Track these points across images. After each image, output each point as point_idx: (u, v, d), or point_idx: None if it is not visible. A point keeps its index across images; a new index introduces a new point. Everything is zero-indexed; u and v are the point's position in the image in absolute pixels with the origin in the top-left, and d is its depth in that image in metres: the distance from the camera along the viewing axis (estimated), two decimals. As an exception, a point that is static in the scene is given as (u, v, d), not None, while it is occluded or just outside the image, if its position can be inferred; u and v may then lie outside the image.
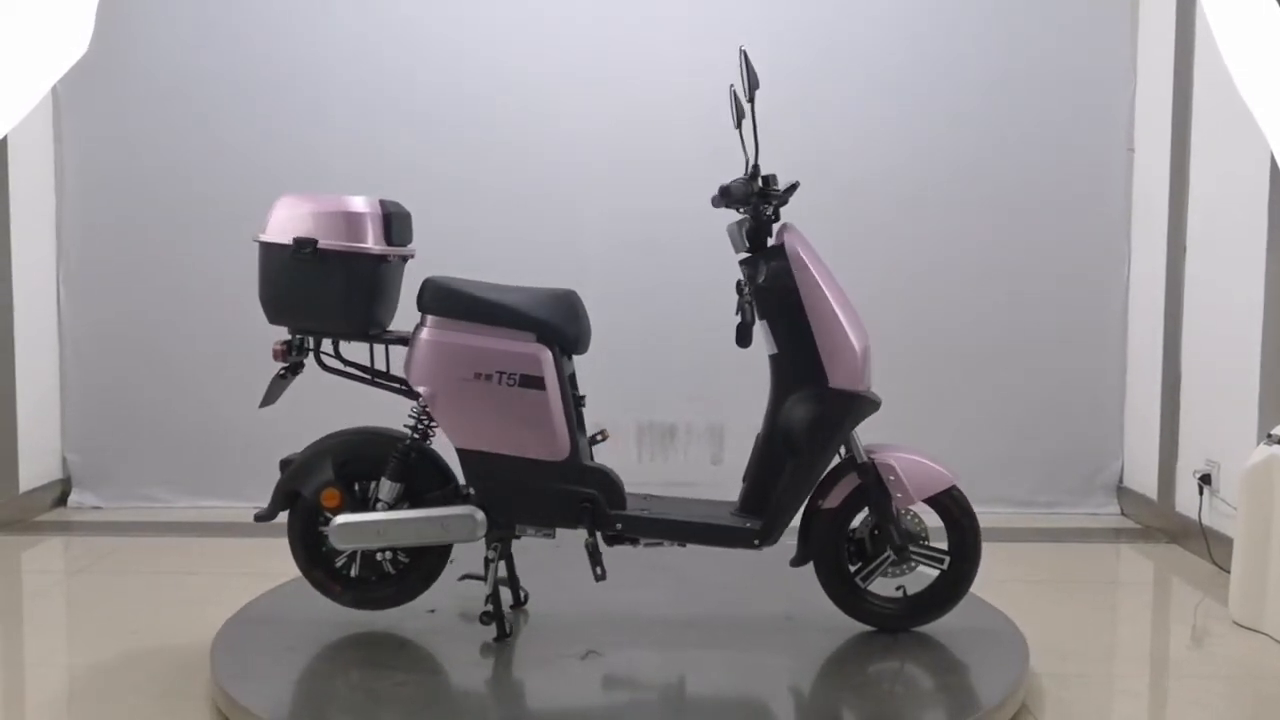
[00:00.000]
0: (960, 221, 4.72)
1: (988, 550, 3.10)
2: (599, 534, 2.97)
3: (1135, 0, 4.70)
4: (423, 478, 3.00)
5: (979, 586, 3.12)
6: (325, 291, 2.88)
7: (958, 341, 4.75)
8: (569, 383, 3.00)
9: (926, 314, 4.72)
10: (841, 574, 3.03)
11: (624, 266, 4.67)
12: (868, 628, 3.05)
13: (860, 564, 3.05)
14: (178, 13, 4.70)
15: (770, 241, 3.00)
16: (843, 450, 2.99)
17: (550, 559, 3.36)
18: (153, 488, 4.77)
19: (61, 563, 4.24)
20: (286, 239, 2.87)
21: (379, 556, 3.02)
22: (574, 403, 3.00)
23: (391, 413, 3.15)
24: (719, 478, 4.32)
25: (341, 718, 2.66)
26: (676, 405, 4.74)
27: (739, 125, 3.07)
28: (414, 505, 2.98)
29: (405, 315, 3.03)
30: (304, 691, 2.77)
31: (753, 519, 2.97)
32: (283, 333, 2.99)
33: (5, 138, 3.95)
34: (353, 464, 3.01)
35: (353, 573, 3.05)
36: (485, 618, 2.96)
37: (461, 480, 3.01)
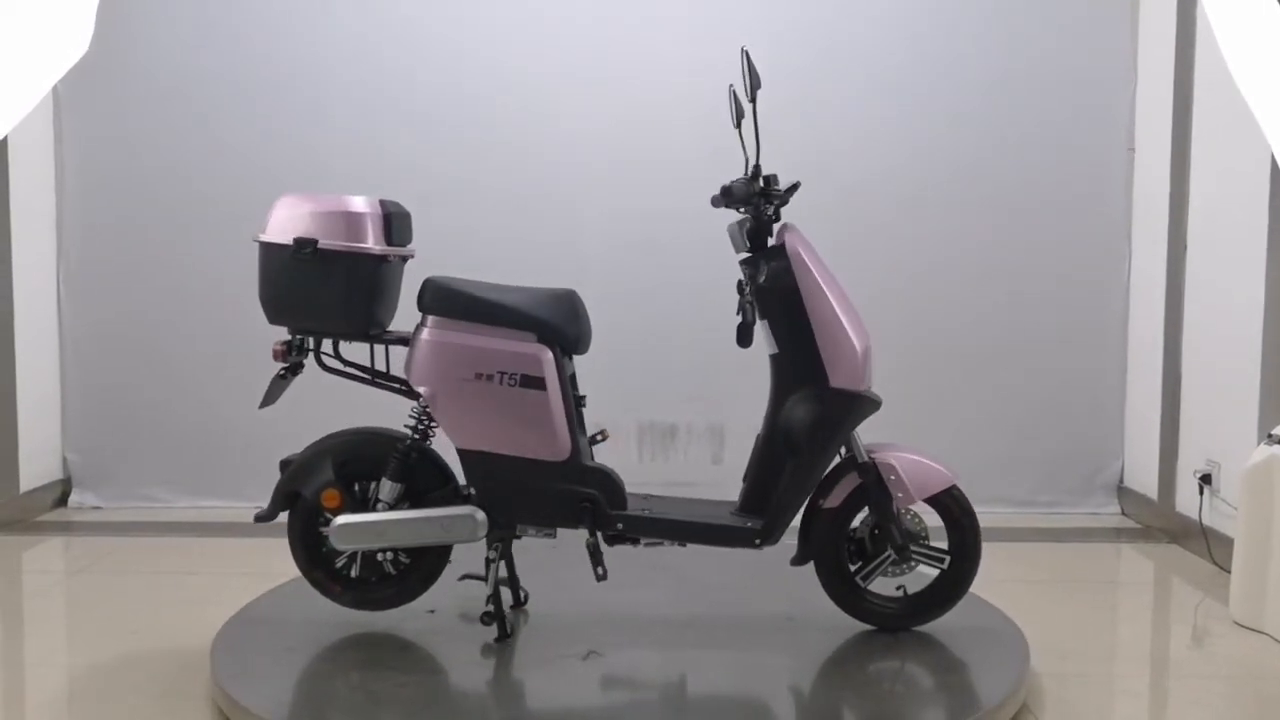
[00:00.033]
0: (960, 221, 4.72)
1: (988, 550, 3.10)
2: (599, 534, 2.97)
3: (1135, 0, 4.70)
4: (423, 478, 3.00)
5: (980, 586, 3.12)
6: (325, 291, 2.88)
7: (958, 341, 4.75)
8: (570, 383, 3.00)
9: (927, 314, 4.72)
10: (842, 573, 3.03)
11: (624, 266, 4.67)
12: (868, 627, 3.05)
13: (860, 563, 3.05)
14: (178, 13, 4.70)
15: (771, 241, 3.00)
16: (843, 450, 2.99)
17: (550, 559, 3.36)
18: (153, 488, 4.77)
19: (62, 563, 4.24)
20: (287, 239, 2.87)
21: (379, 557, 3.02)
22: (575, 403, 3.01)
23: (391, 413, 3.14)
24: (719, 478, 4.31)
25: (342, 718, 2.66)
26: (677, 405, 4.74)
27: (738, 125, 3.08)
28: (414, 506, 2.98)
29: (405, 315, 3.03)
30: (304, 692, 2.77)
31: (754, 519, 2.97)
32: (283, 333, 2.99)
33: (6, 138, 3.94)
34: (353, 464, 3.01)
35: (353, 573, 3.04)
36: (486, 618, 2.95)
37: (462, 480, 3.01)
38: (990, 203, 4.73)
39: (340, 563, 3.04)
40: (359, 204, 2.91)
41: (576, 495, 2.93)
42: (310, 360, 3.01)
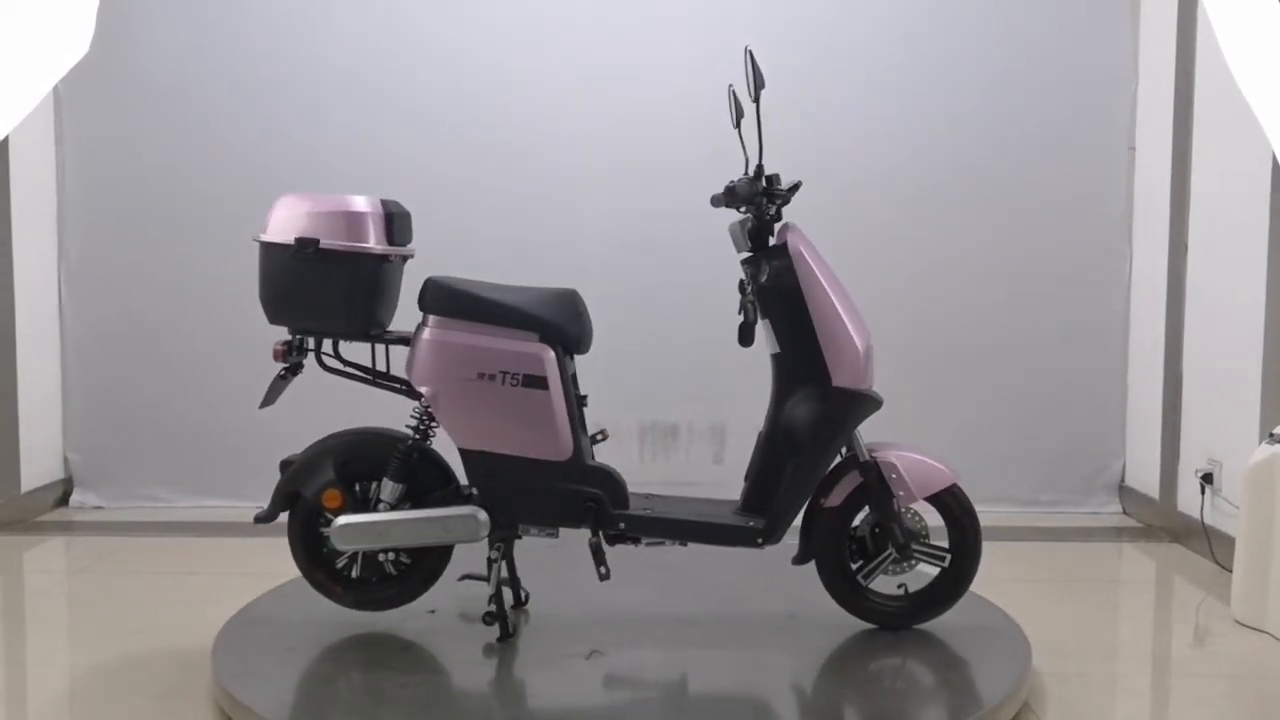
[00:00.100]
0: (960, 221, 4.72)
1: (990, 550, 3.10)
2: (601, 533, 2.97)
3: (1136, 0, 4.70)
4: (424, 478, 3.00)
5: (981, 585, 3.13)
6: (326, 291, 2.88)
7: (959, 341, 4.75)
8: (571, 383, 3.00)
9: (928, 314, 4.72)
10: (843, 572, 3.04)
11: (624, 266, 4.67)
12: (869, 626, 3.05)
13: (861, 562, 3.05)
14: (178, 13, 4.70)
15: (772, 241, 3.00)
16: (844, 449, 3.00)
17: (550, 558, 3.36)
18: (154, 487, 4.77)
19: (63, 562, 4.24)
20: (287, 239, 2.86)
21: (380, 557, 3.02)
22: (576, 403, 3.00)
23: (391, 413, 3.14)
24: (720, 477, 4.31)
25: (344, 718, 2.65)
26: (678, 405, 4.74)
27: (738, 125, 3.08)
28: (415, 506, 2.98)
29: (405, 315, 3.03)
30: (306, 692, 2.77)
31: (755, 518, 2.97)
32: (283, 333, 2.99)
33: (6, 138, 3.94)
34: (353, 464, 3.01)
35: (354, 574, 3.04)
36: (488, 618, 2.95)
37: (463, 480, 3.01)
38: (990, 203, 4.73)
39: (341, 563, 3.04)
40: (360, 204, 2.90)
41: (579, 495, 2.93)
42: (311, 360, 3.00)
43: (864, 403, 2.92)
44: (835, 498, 3.00)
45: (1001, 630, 3.10)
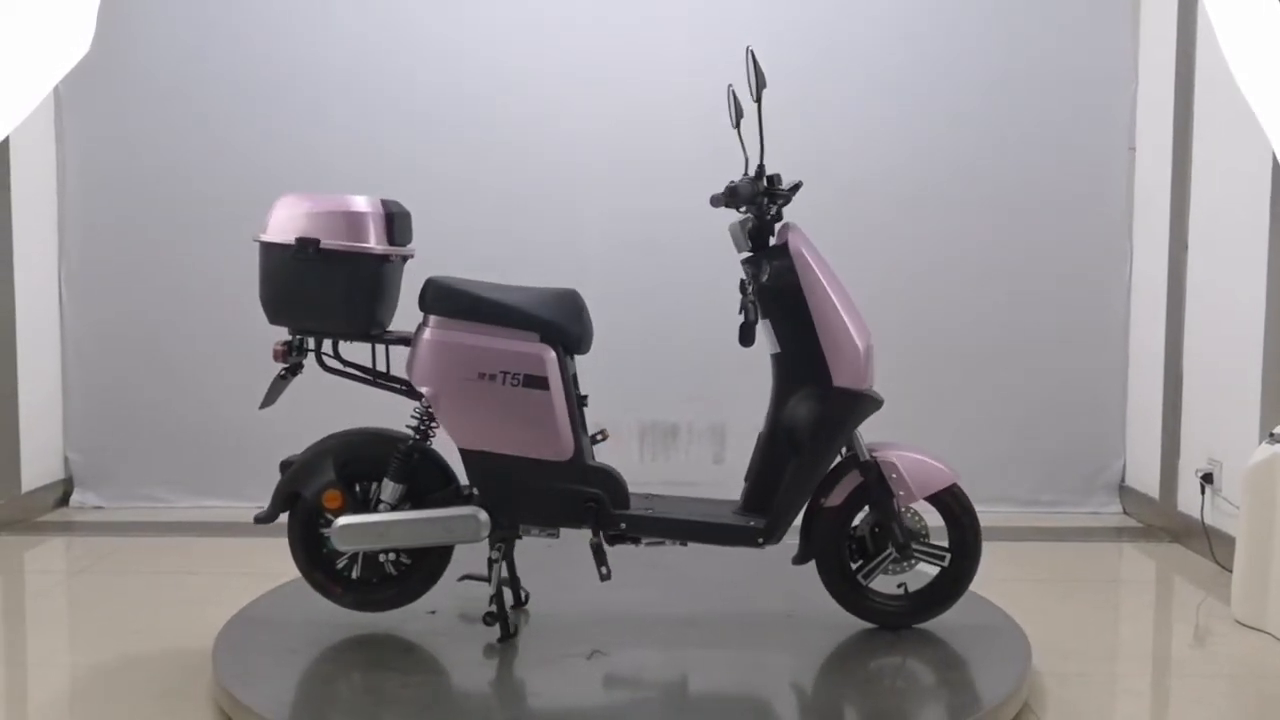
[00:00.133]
0: (960, 221, 4.72)
1: (990, 550, 3.10)
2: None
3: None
4: (425, 478, 3.00)
5: (981, 585, 3.13)
6: (327, 292, 2.87)
7: (959, 341, 4.75)
8: (572, 383, 3.00)
9: (927, 314, 4.72)
10: (844, 572, 3.04)
11: (624, 266, 4.67)
12: (869, 625, 3.05)
13: (861, 561, 3.05)
14: (178, 13, 4.70)
15: (772, 241, 3.00)
16: (844, 449, 3.00)
17: (549, 558, 3.36)
18: (154, 487, 4.77)
19: (63, 563, 4.24)
20: (288, 239, 2.86)
21: (381, 558, 3.02)
22: (577, 403, 3.00)
23: (391, 413, 3.14)
24: (720, 477, 4.31)
25: (345, 719, 2.65)
26: (678, 405, 4.74)
27: (737, 125, 3.08)
28: (416, 506, 2.97)
29: (405, 315, 3.03)
30: (307, 692, 2.77)
31: (756, 518, 2.97)
32: (283, 333, 2.99)
33: (7, 138, 3.94)
34: (354, 465, 3.01)
35: (354, 574, 3.04)
36: (489, 618, 2.95)
37: (463, 481, 3.01)
38: (990, 203, 4.73)
39: (341, 564, 3.03)
40: (361, 204, 2.90)
41: (580, 495, 2.93)
42: (311, 360, 3.00)
43: (864, 403, 2.92)
44: (836, 497, 3.00)
45: (1002, 630, 3.10)
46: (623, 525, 2.94)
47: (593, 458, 3.00)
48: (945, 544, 3.04)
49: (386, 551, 3.00)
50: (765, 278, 2.94)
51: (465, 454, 2.94)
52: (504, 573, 3.01)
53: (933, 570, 3.04)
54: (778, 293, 2.93)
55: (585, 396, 3.07)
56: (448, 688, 2.80)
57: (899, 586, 3.07)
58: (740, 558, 3.13)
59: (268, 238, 2.90)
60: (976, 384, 4.76)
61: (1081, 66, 4.70)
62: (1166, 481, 4.44)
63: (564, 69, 4.68)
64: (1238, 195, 3.97)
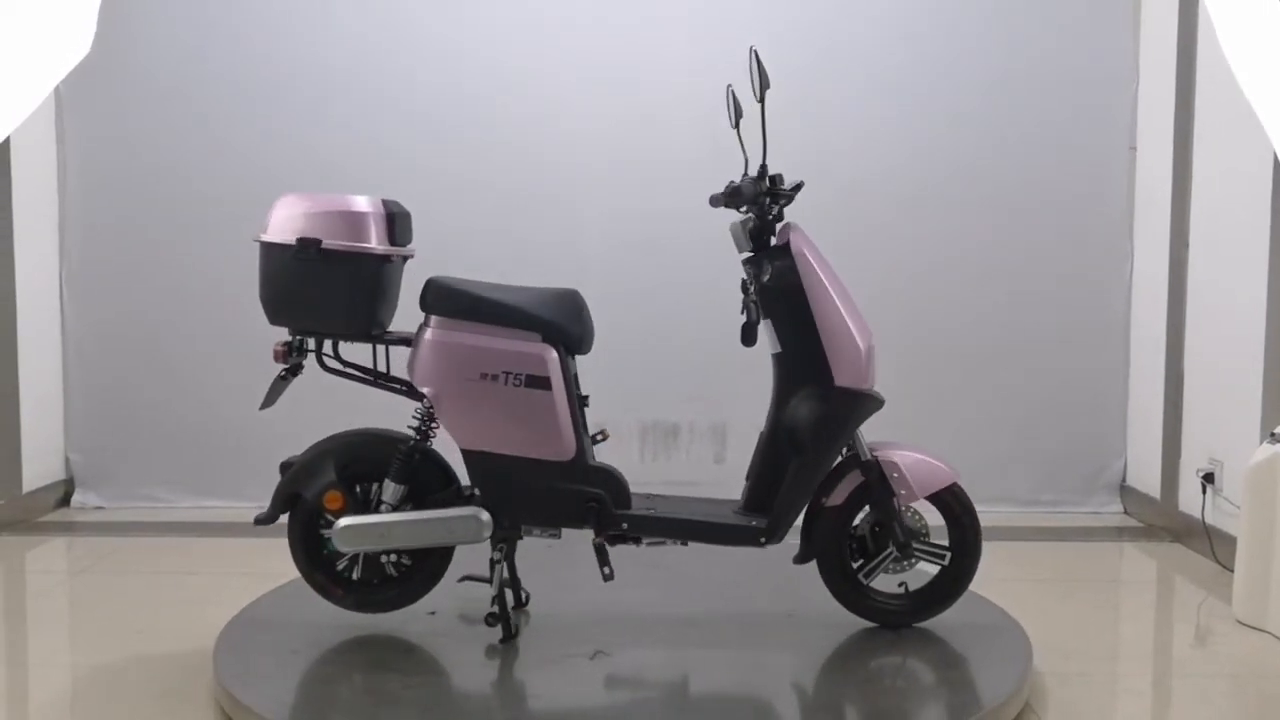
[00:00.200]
0: (961, 221, 4.72)
1: (991, 549, 3.10)
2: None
3: (1137, -1, 4.71)
4: (426, 479, 2.99)
5: (982, 585, 3.13)
6: (327, 292, 2.87)
7: (960, 341, 4.75)
8: (573, 383, 3.00)
9: (928, 314, 4.72)
10: (844, 571, 3.04)
11: (625, 266, 4.67)
12: (870, 624, 3.06)
13: (862, 561, 3.05)
14: (178, 13, 4.70)
15: (773, 240, 3.00)
16: (845, 448, 3.00)
17: (549, 559, 3.36)
18: (155, 488, 4.77)
19: (64, 563, 4.24)
20: (288, 239, 2.86)
21: (382, 559, 3.02)
22: (578, 403, 3.00)
23: (392, 414, 3.14)
24: (721, 477, 4.31)
25: (346, 719, 2.65)
26: (679, 405, 4.74)
27: (736, 125, 3.08)
28: (417, 507, 2.97)
29: (405, 315, 3.03)
30: (307, 693, 2.77)
31: (758, 517, 2.97)
32: (284, 333, 2.99)
33: (8, 138, 3.94)
34: (354, 466, 3.01)
35: (354, 575, 3.04)
36: (491, 619, 2.95)
37: (464, 481, 3.01)
38: (991, 203, 4.73)
39: (342, 565, 3.03)
40: (362, 204, 2.90)
41: (582, 495, 2.93)
42: (311, 361, 3.00)
43: (866, 402, 2.93)
44: (837, 497, 3.00)
45: (1003, 629, 3.11)
46: (624, 525, 2.94)
47: (594, 458, 3.00)
48: (946, 543, 3.04)
49: (388, 553, 3.00)
50: (767, 278, 2.94)
51: (467, 454, 2.94)
52: (505, 573, 3.00)
53: (933, 569, 3.04)
54: (779, 293, 2.93)
55: (586, 396, 3.07)
56: (449, 688, 2.80)
57: (900, 586, 3.07)
58: (741, 557, 3.13)
59: (268, 238, 2.90)
60: (977, 383, 4.76)
61: (1082, 66, 4.70)
62: (1167, 481, 4.44)
63: (564, 69, 4.68)
64: (1239, 195, 3.97)
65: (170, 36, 4.71)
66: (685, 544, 3.01)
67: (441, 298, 2.94)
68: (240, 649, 2.92)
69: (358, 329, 2.94)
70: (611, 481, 2.95)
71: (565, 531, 3.00)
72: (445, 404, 2.91)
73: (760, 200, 2.96)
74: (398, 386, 3.01)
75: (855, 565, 3.05)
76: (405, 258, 3.02)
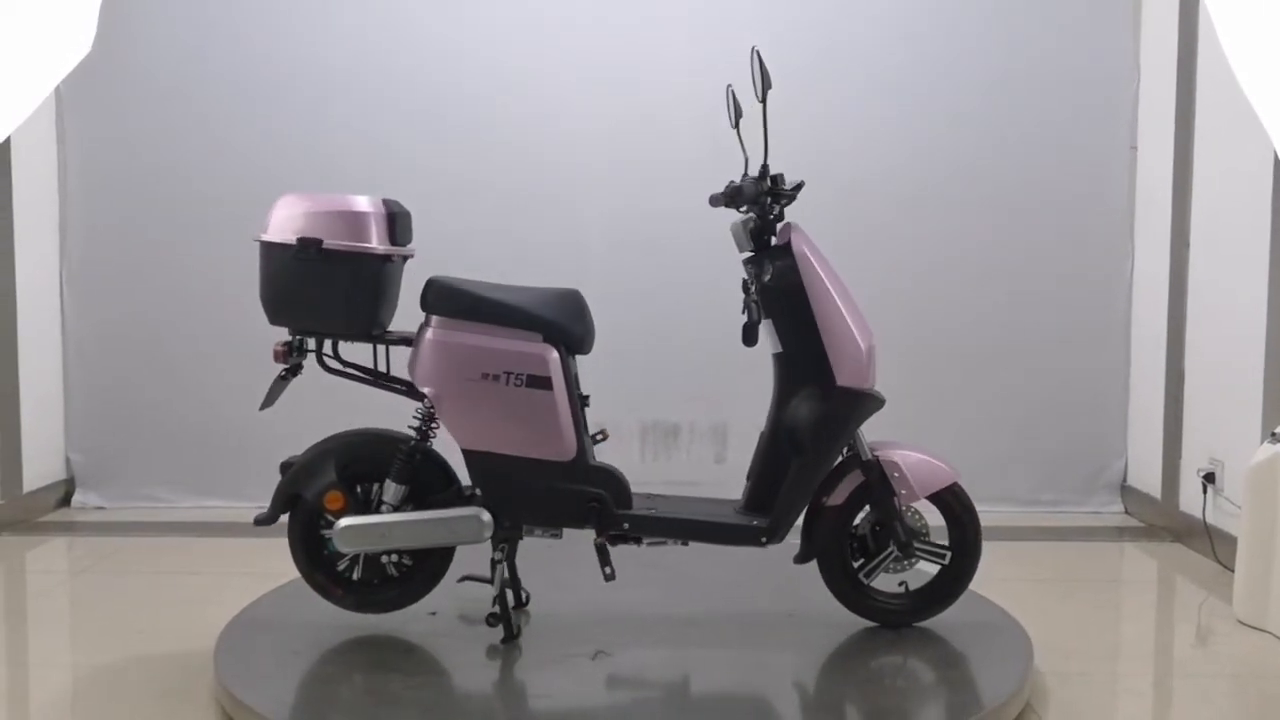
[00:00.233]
0: (961, 221, 4.72)
1: (991, 549, 3.10)
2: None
3: (1137, -2, 4.71)
4: (426, 479, 2.99)
5: (983, 585, 3.13)
6: (328, 292, 2.87)
7: (960, 340, 4.75)
8: (574, 383, 2.99)
9: (928, 314, 4.72)
10: (845, 570, 3.04)
11: (625, 266, 4.67)
12: (870, 624, 3.06)
13: (862, 560, 3.05)
14: (178, 13, 4.71)
15: (774, 240, 3.00)
16: (845, 448, 3.00)
17: (548, 559, 3.35)
18: (155, 488, 4.78)
19: (65, 563, 4.24)
20: (289, 239, 2.86)
21: (383, 559, 3.01)
22: (579, 403, 3.00)
23: (392, 414, 3.14)
24: (722, 477, 4.31)
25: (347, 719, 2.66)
26: (679, 405, 4.74)
27: (736, 125, 3.08)
28: (418, 507, 2.97)
29: (405, 315, 3.03)
30: (308, 693, 2.76)
31: (759, 517, 2.97)
32: (284, 333, 2.98)
33: (9, 138, 3.94)
34: (355, 466, 3.00)
35: (355, 576, 3.04)
36: (492, 619, 2.95)
37: (465, 481, 3.01)
38: (991, 202, 4.72)
39: (342, 565, 3.03)
40: (363, 203, 2.90)
41: (583, 495, 2.93)
42: (311, 361, 2.99)
43: (866, 402, 2.93)
44: (838, 496, 3.00)
45: (1003, 629, 3.11)
46: (626, 525, 2.94)
47: (594, 458, 3.00)
48: (946, 543, 3.04)
49: (388, 553, 3.00)
50: (768, 277, 2.94)
51: (468, 454, 2.94)
52: (505, 573, 3.00)
53: (933, 569, 3.04)
54: (780, 292, 2.93)
55: (587, 396, 3.07)
56: (450, 689, 2.80)
57: (900, 585, 3.07)
58: (742, 557, 3.13)
59: (269, 237, 2.89)
60: (978, 383, 4.76)
61: (1082, 65, 4.70)
62: (1168, 481, 4.44)
63: (564, 69, 4.68)
64: (1239, 194, 3.97)
65: (170, 36, 4.71)
66: (686, 544, 3.01)
67: (442, 298, 2.94)
68: (241, 649, 2.92)
69: (358, 329, 2.94)
70: (612, 481, 2.95)
71: (566, 531, 3.00)
72: (446, 404, 2.91)
73: (762, 200, 2.96)
74: (398, 386, 3.01)
75: (856, 565, 3.05)
76: (405, 258, 3.02)
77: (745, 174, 3.04)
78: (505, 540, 2.97)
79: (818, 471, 2.95)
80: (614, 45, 4.68)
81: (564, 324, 2.94)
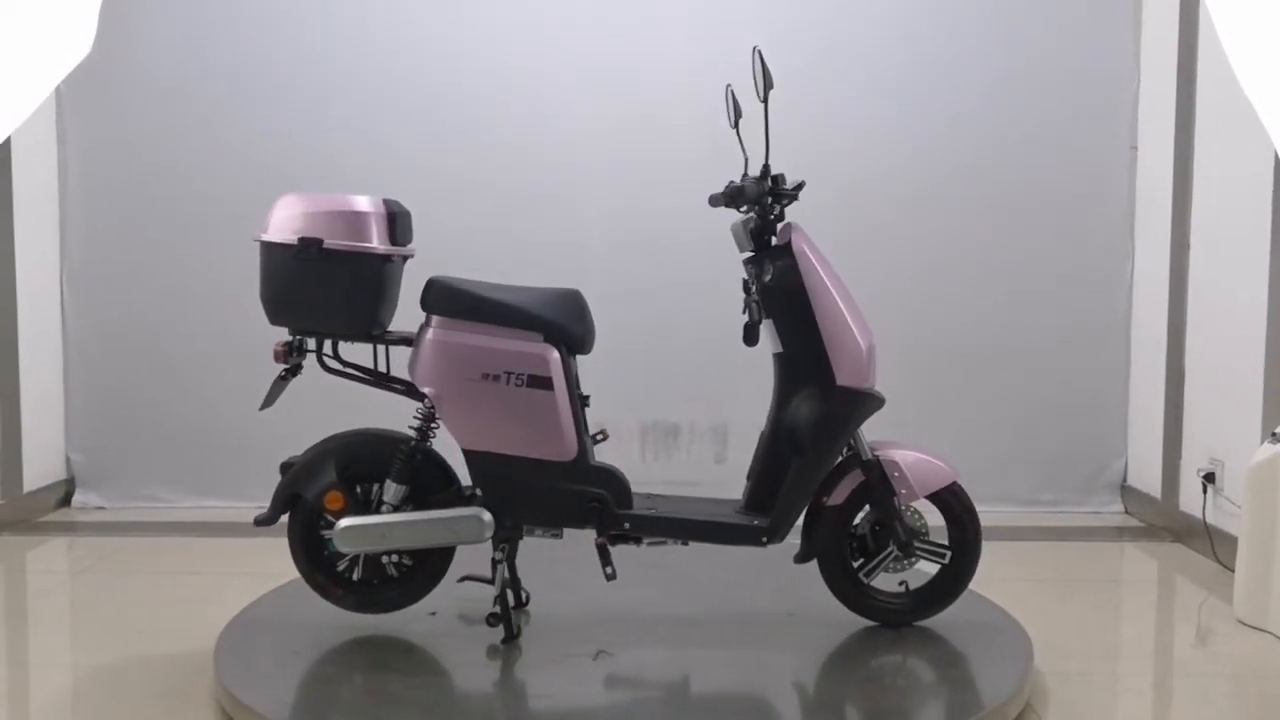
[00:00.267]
0: (961, 221, 4.72)
1: (992, 549, 3.10)
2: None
3: (1138, -3, 4.71)
4: (427, 479, 2.99)
5: (983, 585, 3.13)
6: (328, 292, 2.87)
7: (960, 340, 4.75)
8: (574, 383, 2.99)
9: (929, 314, 4.72)
10: (845, 570, 3.04)
11: (625, 266, 4.67)
12: (870, 623, 3.06)
13: (862, 560, 3.05)
14: (178, 13, 4.71)
15: (774, 240, 3.00)
16: (846, 447, 3.00)
17: (548, 559, 3.35)
18: (156, 488, 4.78)
19: (65, 563, 4.24)
20: (290, 239, 2.86)
21: (383, 559, 3.01)
22: (579, 403, 3.00)
23: (392, 414, 3.14)
24: (722, 477, 4.31)
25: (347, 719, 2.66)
26: (679, 404, 4.74)
27: (735, 125, 3.08)
28: (418, 507, 2.97)
29: (405, 315, 3.03)
30: (308, 693, 2.76)
31: (759, 517, 2.97)
32: (284, 333, 2.98)
33: (9, 139, 3.94)
34: (355, 466, 3.00)
35: (355, 576, 3.04)
36: (492, 619, 2.95)
37: (465, 481, 3.01)
38: (991, 203, 4.73)
39: (342, 566, 3.03)
40: (363, 203, 2.90)
41: (584, 495, 2.93)
42: (311, 361, 2.99)
43: (867, 402, 2.93)
44: (838, 496, 3.00)
45: (1003, 629, 3.11)
46: (626, 525, 2.94)
47: (595, 458, 3.00)
48: (946, 542, 3.04)
49: (388, 553, 3.00)
50: (768, 277, 2.94)
51: (468, 454, 2.94)
52: (505, 573, 3.00)
53: (933, 568, 3.05)
54: (781, 292, 2.94)
55: (587, 396, 3.07)
56: (450, 689, 2.80)
57: (900, 585, 3.07)
58: (742, 557, 3.13)
59: (269, 237, 2.89)
60: (978, 383, 4.76)
61: (1082, 65, 4.70)
62: (1168, 481, 4.44)
63: (564, 69, 4.68)
64: (1240, 194, 3.97)
65: (170, 36, 4.71)
66: (686, 544, 3.01)
67: (443, 298, 2.94)
68: (241, 649, 2.92)
69: (358, 329, 2.94)
70: (613, 481, 2.95)
71: (566, 531, 3.00)
72: (446, 404, 2.91)
73: (763, 200, 2.96)
74: (398, 387, 3.01)
75: (856, 564, 3.05)
76: (406, 257, 3.02)
77: (745, 174, 3.04)
78: (506, 540, 2.97)
79: (818, 471, 2.95)
80: (614, 45, 4.68)
81: (564, 324, 2.94)
